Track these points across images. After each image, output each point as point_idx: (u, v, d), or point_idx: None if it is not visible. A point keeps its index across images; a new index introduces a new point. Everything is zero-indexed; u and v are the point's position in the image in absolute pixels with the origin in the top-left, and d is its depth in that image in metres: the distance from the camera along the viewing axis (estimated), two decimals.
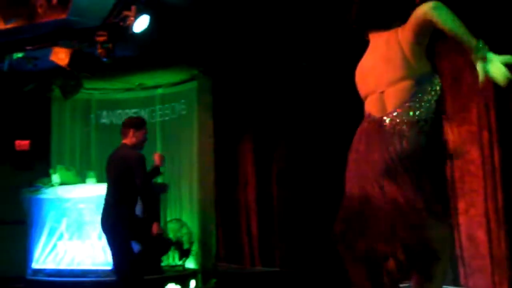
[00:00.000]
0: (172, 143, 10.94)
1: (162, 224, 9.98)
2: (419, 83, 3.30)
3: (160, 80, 10.67)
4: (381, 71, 3.39)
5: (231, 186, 10.69)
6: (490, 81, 6.37)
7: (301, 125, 8.90)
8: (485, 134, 6.60)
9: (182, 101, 10.70)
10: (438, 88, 3.31)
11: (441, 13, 3.10)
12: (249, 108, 10.18)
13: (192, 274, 9.59)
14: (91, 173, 9.57)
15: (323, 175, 8.44)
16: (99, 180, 9.26)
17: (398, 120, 3.27)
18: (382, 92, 3.38)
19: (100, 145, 11.07)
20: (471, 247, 6.77)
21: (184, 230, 10.39)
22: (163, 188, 9.70)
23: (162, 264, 9.87)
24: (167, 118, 11.00)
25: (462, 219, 6.87)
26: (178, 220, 10.59)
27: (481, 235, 6.64)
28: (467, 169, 6.82)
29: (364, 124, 3.47)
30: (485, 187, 6.61)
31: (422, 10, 3.17)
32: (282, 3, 7.20)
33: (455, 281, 6.98)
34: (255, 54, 8.81)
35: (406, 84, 3.31)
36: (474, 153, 6.73)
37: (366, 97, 3.52)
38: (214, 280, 9.45)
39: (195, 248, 10.13)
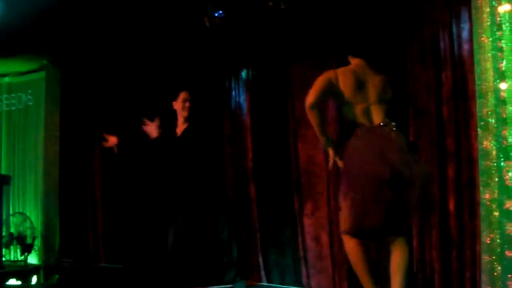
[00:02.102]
0: (17, 134, 10.61)
1: (4, 217, 9.68)
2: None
3: (7, 68, 10.31)
4: (374, 92, 4.66)
5: (78, 180, 10.47)
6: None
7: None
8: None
9: (29, 91, 10.40)
10: None
11: None
12: (98, 101, 10.00)
13: (34, 269, 9.33)
14: None
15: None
16: None
17: (386, 126, 4.58)
18: (369, 105, 4.63)
19: None
20: (316, 249, 6.96)
21: (27, 224, 10.11)
22: (6, 180, 9.36)
23: (3, 259, 9.57)
24: (13, 108, 10.65)
25: (308, 221, 7.05)
26: (22, 213, 10.28)
27: (324, 237, 6.85)
28: (313, 172, 7.02)
29: (362, 133, 4.62)
30: (328, 189, 6.82)
31: None
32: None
33: (297, 282, 7.16)
34: (107, 47, 8.69)
35: (386, 106, 4.68)
36: (319, 157, 6.93)
37: (349, 102, 4.66)
38: (56, 277, 9.23)
39: (37, 243, 9.86)
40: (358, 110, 4.65)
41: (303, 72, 7.18)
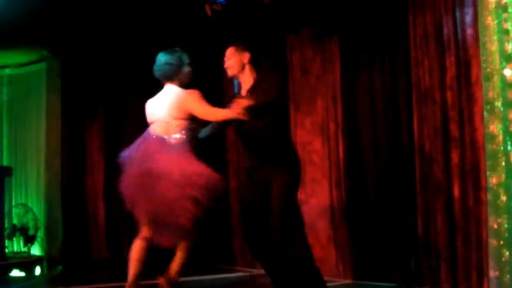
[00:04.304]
0: (19, 125, 10.60)
1: (6, 209, 9.66)
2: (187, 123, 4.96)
3: (8, 60, 10.26)
4: (170, 110, 4.98)
5: (79, 171, 10.44)
6: (336, 73, 6.60)
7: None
8: (332, 125, 6.80)
9: (31, 82, 10.38)
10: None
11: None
12: (98, 91, 9.96)
13: (37, 260, 9.33)
14: None
15: None
16: None
17: (180, 139, 4.92)
18: (167, 122, 4.98)
19: None
20: (311, 237, 6.92)
21: (30, 216, 10.10)
22: (7, 171, 9.33)
23: (6, 250, 9.55)
24: (14, 98, 10.63)
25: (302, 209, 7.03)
26: (24, 205, 10.27)
27: (322, 224, 6.82)
28: (309, 159, 6.99)
29: (151, 140, 5.08)
30: (330, 177, 6.80)
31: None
32: None
33: None
34: (106, 36, 8.66)
35: (183, 122, 4.95)
36: (317, 144, 6.91)
37: (153, 121, 5.13)
38: (60, 267, 9.22)
39: (40, 234, 9.85)
40: (157, 126, 5.13)
41: (304, 57, 7.19)
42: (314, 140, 7.00)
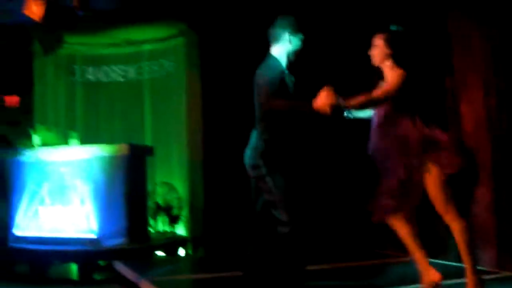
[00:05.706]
0: (160, 101, 10.49)
1: (150, 187, 9.48)
2: None
3: (147, 35, 10.20)
4: None
5: (223, 148, 10.14)
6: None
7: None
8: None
9: (170, 57, 10.24)
10: None
11: None
12: (239, 64, 9.58)
13: (180, 242, 9.09)
14: (74, 134, 8.98)
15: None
16: (83, 142, 8.76)
17: None
18: None
19: (85, 103, 10.75)
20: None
21: (174, 195, 9.93)
22: (148, 150, 9.12)
23: (152, 230, 9.42)
24: (155, 75, 10.53)
25: None
26: (167, 183, 10.10)
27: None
28: None
29: None
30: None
31: None
32: None
33: None
34: (246, 9, 8.27)
35: None
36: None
37: None
38: (202, 249, 8.96)
39: (184, 213, 9.64)
40: None
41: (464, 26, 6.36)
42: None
